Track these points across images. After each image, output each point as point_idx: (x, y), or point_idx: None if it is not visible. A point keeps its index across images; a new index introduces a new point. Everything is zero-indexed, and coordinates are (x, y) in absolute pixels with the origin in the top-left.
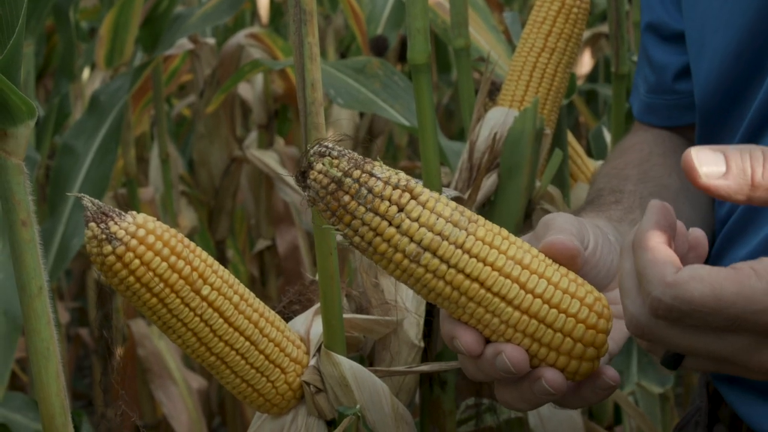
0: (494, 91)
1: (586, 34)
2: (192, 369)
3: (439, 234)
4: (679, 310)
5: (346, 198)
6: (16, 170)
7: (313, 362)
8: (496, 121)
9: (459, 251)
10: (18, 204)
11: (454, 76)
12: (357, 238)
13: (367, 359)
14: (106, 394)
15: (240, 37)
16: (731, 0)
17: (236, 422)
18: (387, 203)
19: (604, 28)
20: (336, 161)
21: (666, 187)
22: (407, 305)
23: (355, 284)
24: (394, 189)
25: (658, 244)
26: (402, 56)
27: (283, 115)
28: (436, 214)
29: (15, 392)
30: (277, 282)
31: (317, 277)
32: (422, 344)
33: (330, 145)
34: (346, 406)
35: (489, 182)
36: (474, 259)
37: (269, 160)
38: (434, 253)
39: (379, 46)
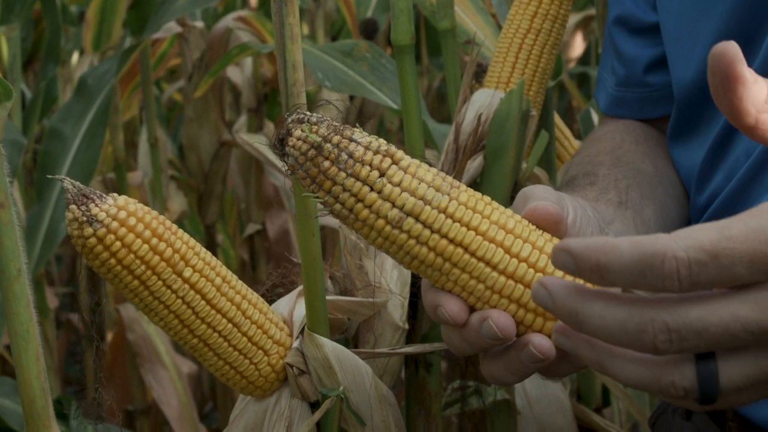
0: (480, 72)
1: (578, 17)
2: (182, 353)
3: (422, 199)
4: (697, 261)
5: (326, 164)
6: None
7: (296, 344)
8: (482, 102)
9: (442, 216)
10: None
11: None
12: (338, 206)
13: (352, 341)
14: (93, 379)
15: (228, 20)
16: None
17: (227, 406)
18: (368, 168)
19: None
20: (315, 127)
21: (640, 171)
22: (392, 287)
23: (340, 266)
24: (375, 154)
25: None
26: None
27: (272, 99)
28: (418, 179)
29: (4, 377)
30: (268, 266)
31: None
32: (406, 326)
33: (308, 113)
34: (330, 387)
35: (475, 164)
36: (457, 224)
37: (259, 144)
38: (417, 218)
39: (368, 29)
